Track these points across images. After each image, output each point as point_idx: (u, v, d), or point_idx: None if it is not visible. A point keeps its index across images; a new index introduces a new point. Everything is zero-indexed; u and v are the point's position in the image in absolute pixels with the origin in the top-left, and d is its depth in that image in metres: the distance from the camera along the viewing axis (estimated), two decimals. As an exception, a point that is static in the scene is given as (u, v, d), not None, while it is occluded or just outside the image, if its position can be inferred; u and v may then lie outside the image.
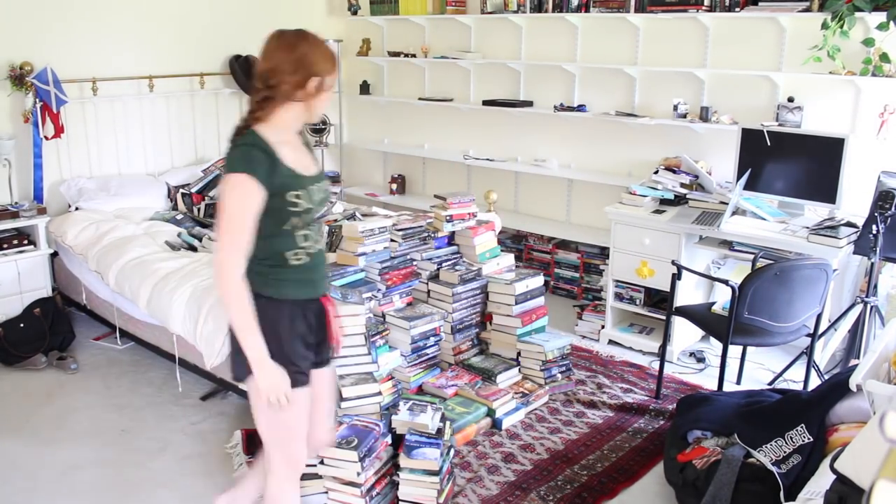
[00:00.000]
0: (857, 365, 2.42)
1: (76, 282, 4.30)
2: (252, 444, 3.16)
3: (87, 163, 4.74)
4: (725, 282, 3.15)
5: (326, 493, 2.70)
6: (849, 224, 3.55)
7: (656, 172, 4.21)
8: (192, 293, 3.40)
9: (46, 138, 4.36)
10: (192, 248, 4.02)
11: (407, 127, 5.95)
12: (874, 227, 3.18)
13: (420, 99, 5.58)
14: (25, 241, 4.24)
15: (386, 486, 2.74)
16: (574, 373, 3.72)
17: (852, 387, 2.36)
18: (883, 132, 3.68)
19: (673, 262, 3.51)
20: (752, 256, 3.56)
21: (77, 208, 4.45)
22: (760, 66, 4.09)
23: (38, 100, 4.26)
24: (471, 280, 3.62)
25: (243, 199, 1.94)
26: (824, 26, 3.62)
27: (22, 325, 4.05)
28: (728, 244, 3.76)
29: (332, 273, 3.18)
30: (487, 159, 5.23)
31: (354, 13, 5.85)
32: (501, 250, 3.87)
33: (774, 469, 2.48)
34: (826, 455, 2.39)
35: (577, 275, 4.84)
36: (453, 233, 3.74)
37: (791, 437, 2.53)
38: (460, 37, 5.39)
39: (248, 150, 1.97)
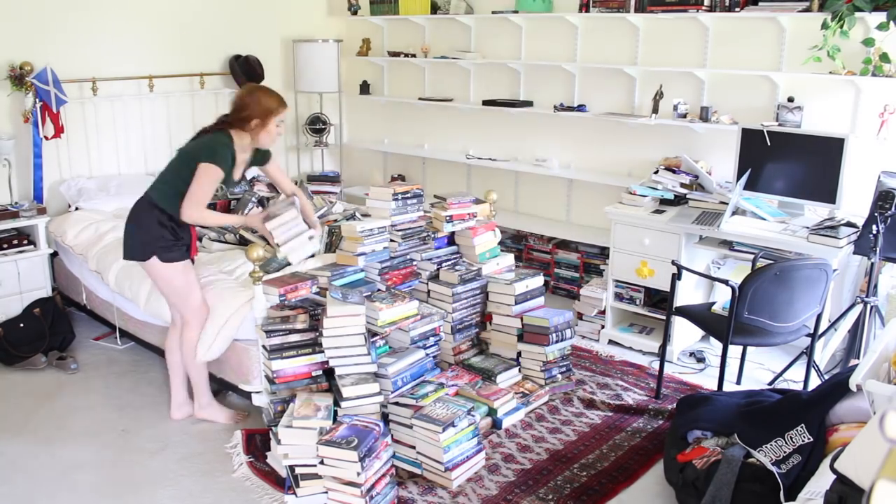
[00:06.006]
0: (857, 365, 2.42)
1: (76, 282, 4.30)
2: (252, 444, 3.17)
3: (87, 163, 4.74)
4: (725, 282, 3.15)
5: (326, 493, 2.70)
6: (849, 224, 3.55)
7: (656, 172, 4.21)
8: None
9: (46, 138, 4.36)
10: (192, 248, 4.02)
11: (407, 127, 5.95)
12: (874, 227, 3.18)
13: (420, 99, 5.58)
14: (25, 241, 4.24)
15: (386, 486, 2.75)
16: (574, 373, 3.72)
17: (852, 387, 2.36)
18: (883, 132, 3.68)
19: (673, 262, 3.51)
20: (752, 256, 3.56)
21: (77, 208, 4.45)
22: (760, 66, 4.09)
23: (38, 100, 4.26)
24: (471, 280, 3.62)
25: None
26: (824, 26, 3.62)
27: (22, 325, 4.05)
28: (728, 244, 3.76)
29: (333, 273, 3.18)
30: (490, 159, 5.23)
31: (354, 13, 5.85)
32: (501, 250, 3.87)
33: (774, 469, 2.48)
34: (826, 455, 2.39)
35: (577, 275, 4.84)
36: (453, 233, 3.74)
37: (791, 437, 2.53)
38: (460, 37, 5.39)
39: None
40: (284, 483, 2.82)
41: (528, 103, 5.07)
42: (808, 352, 3.34)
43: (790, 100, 3.97)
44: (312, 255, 3.49)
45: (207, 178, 3.05)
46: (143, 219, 3.16)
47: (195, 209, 3.07)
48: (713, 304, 3.48)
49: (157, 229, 3.12)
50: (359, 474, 2.60)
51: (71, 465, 3.06)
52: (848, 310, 3.50)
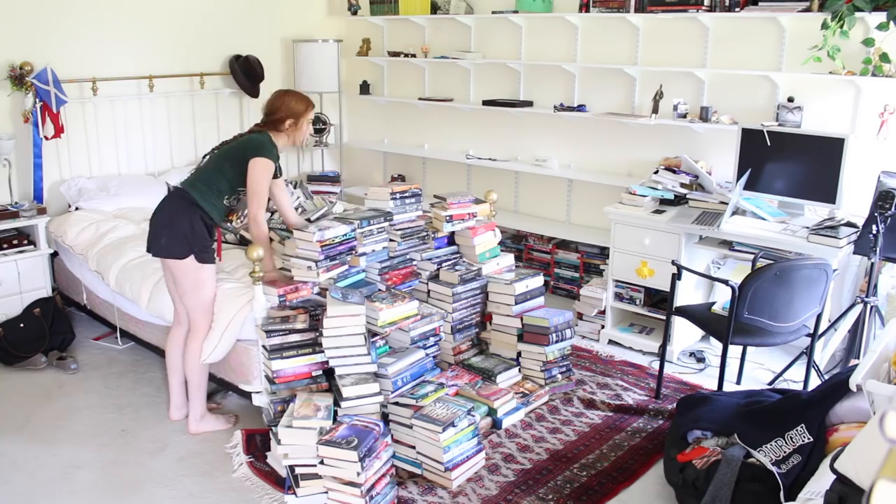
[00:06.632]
0: (857, 365, 2.42)
1: (76, 282, 4.30)
2: (252, 444, 3.17)
3: (87, 163, 4.74)
4: (725, 282, 3.15)
5: (326, 493, 2.70)
6: (849, 224, 3.55)
7: (656, 172, 4.21)
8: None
9: (46, 138, 4.36)
10: (192, 248, 4.02)
11: (407, 127, 5.95)
12: (874, 227, 3.18)
13: (420, 99, 5.58)
14: (25, 241, 4.24)
15: (386, 486, 2.75)
16: (574, 373, 3.72)
17: (852, 387, 2.36)
18: (883, 132, 3.69)
19: (673, 262, 3.51)
20: (752, 256, 3.57)
21: (77, 208, 4.45)
22: (760, 66, 4.09)
23: (38, 100, 4.26)
24: (471, 280, 3.62)
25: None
26: (824, 26, 3.62)
27: (22, 325, 4.05)
28: (728, 244, 3.76)
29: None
30: (490, 159, 5.23)
31: (354, 13, 5.85)
32: (501, 250, 3.87)
33: (774, 469, 2.48)
34: (826, 455, 2.39)
35: (577, 275, 4.84)
36: (453, 233, 3.74)
37: (791, 437, 2.53)
38: (460, 37, 5.39)
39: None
40: (284, 483, 2.82)
41: (528, 103, 5.07)
42: (808, 352, 3.34)
43: (790, 100, 3.97)
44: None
45: (261, 172, 3.12)
46: (181, 217, 3.11)
47: (260, 208, 3.13)
48: (713, 304, 3.48)
49: (200, 228, 3.11)
50: (359, 474, 2.60)
51: (71, 465, 3.06)
52: (848, 310, 3.50)
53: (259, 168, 3.12)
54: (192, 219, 3.10)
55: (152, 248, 3.16)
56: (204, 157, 3.28)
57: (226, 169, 3.16)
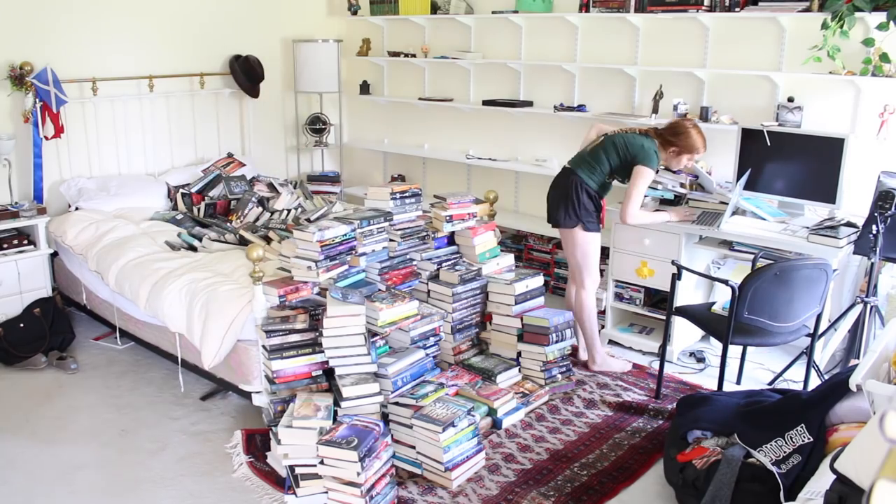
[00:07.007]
0: (857, 365, 2.42)
1: (76, 282, 4.30)
2: (252, 444, 3.17)
3: (87, 163, 4.74)
4: (725, 282, 3.15)
5: (326, 493, 2.70)
6: (849, 224, 3.55)
7: (656, 172, 4.20)
8: (186, 290, 3.43)
9: (46, 138, 4.37)
10: (192, 248, 4.02)
11: (407, 127, 5.95)
12: (874, 227, 3.18)
13: (420, 99, 5.58)
14: (25, 241, 4.24)
15: (386, 486, 2.75)
16: (574, 373, 3.72)
17: (852, 387, 2.36)
18: (883, 132, 3.69)
19: (673, 262, 3.51)
20: (752, 256, 3.57)
21: (77, 208, 4.45)
22: (760, 66, 4.09)
23: (38, 100, 4.26)
24: (471, 280, 3.62)
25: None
26: (824, 26, 3.62)
27: (22, 325, 4.05)
28: (728, 244, 3.76)
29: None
30: (490, 159, 5.23)
31: (354, 13, 5.85)
32: (501, 250, 3.87)
33: (774, 469, 2.48)
34: (826, 455, 2.39)
35: (577, 275, 4.84)
36: (453, 233, 3.74)
37: (791, 437, 2.53)
38: (460, 37, 5.39)
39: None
40: (284, 483, 2.82)
41: (528, 103, 5.07)
42: (808, 352, 3.34)
43: (790, 100, 3.97)
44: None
45: (644, 180, 3.56)
46: (572, 193, 3.63)
47: (634, 209, 3.59)
48: (713, 304, 3.48)
49: (587, 203, 3.64)
50: (359, 474, 2.60)
51: (71, 465, 3.06)
52: (848, 310, 3.50)
53: (640, 176, 3.55)
54: (579, 195, 3.63)
55: (548, 218, 3.76)
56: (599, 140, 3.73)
57: (612, 159, 3.61)
